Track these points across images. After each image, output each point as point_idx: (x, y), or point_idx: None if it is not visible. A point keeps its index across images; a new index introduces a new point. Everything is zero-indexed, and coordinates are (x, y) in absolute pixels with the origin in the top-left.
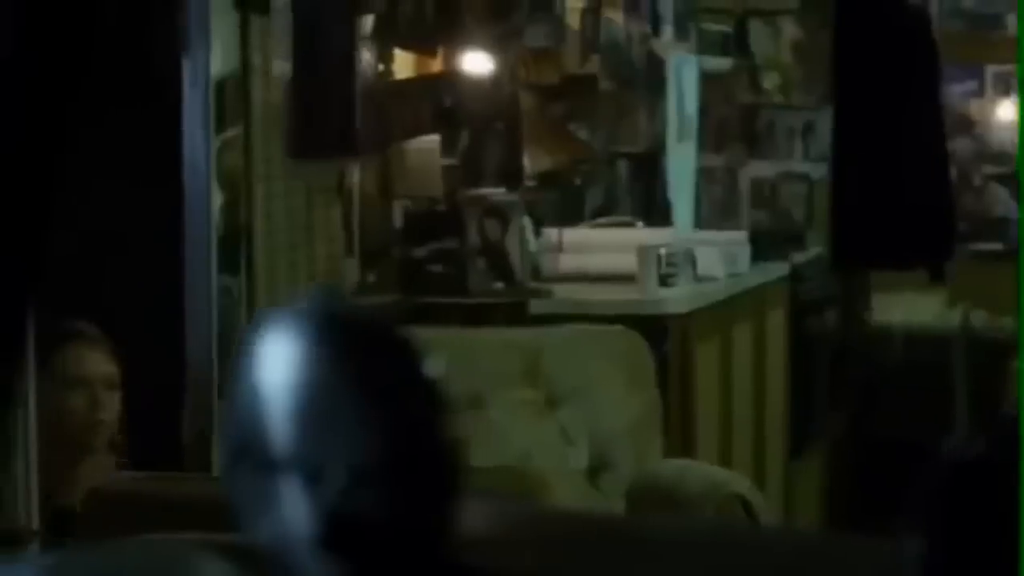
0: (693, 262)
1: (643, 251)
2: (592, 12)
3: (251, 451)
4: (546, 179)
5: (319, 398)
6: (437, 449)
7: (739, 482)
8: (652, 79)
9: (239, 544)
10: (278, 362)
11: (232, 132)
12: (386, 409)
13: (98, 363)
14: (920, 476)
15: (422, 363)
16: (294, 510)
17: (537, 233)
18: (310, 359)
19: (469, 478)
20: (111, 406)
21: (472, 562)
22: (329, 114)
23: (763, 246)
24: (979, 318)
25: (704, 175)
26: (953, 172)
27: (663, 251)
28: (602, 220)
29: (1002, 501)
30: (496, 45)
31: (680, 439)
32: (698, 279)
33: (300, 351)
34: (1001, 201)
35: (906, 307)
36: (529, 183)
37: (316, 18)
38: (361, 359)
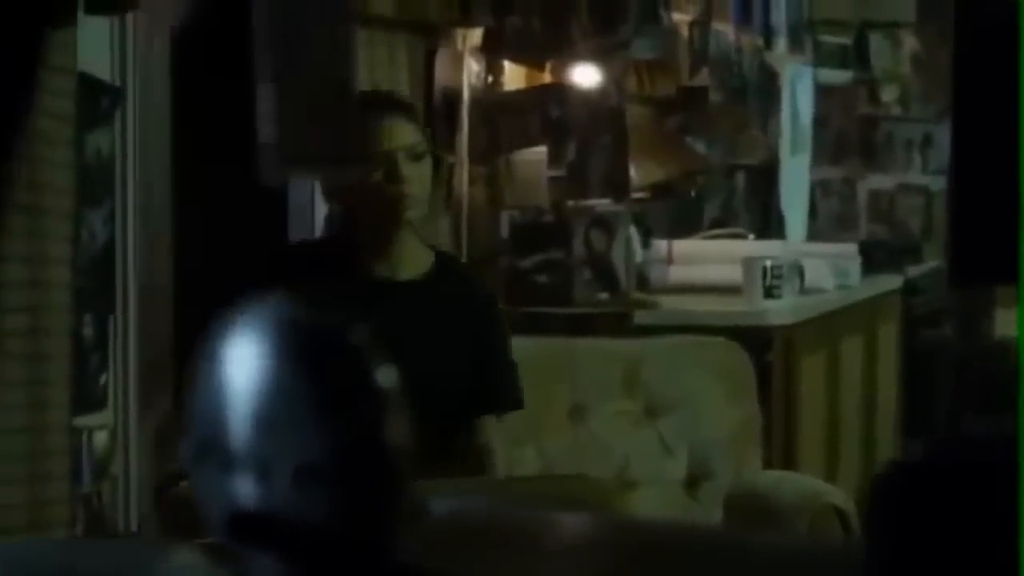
0: (801, 274)
1: (749, 263)
2: (700, 24)
3: (212, 449)
4: (659, 190)
5: (272, 398)
6: (382, 454)
7: (836, 494)
8: (765, 91)
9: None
10: (236, 362)
11: None
12: (333, 411)
13: (400, 134)
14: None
15: (374, 369)
16: (247, 508)
17: (646, 244)
18: (264, 359)
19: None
20: (416, 178)
21: (417, 564)
22: (315, 123)
23: (878, 259)
24: None
25: (822, 187)
26: None
27: (768, 263)
28: (712, 232)
29: (935, 507)
30: (603, 57)
31: (782, 451)
32: (805, 291)
33: (256, 352)
34: None
35: None
36: (641, 194)
37: (301, 25)
38: (311, 361)
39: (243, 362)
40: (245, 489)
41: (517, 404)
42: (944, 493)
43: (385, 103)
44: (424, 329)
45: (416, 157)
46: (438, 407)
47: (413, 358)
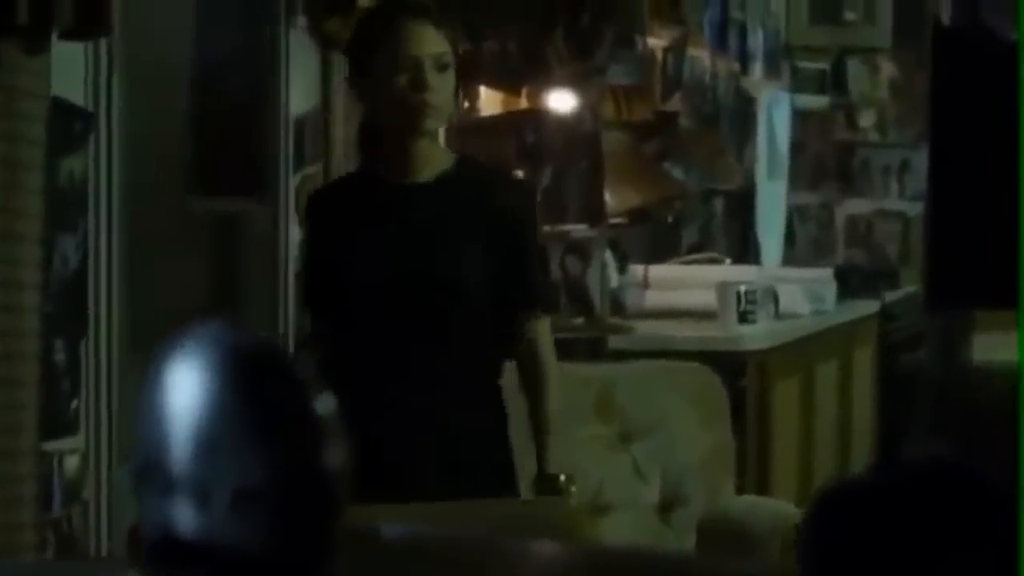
0: (775, 299)
1: (723, 288)
2: (676, 50)
3: (153, 473)
4: (636, 216)
5: (211, 422)
6: (319, 479)
7: None
8: (741, 116)
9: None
10: (177, 386)
11: (312, 168)
12: (271, 436)
13: (429, 41)
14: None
15: (312, 394)
16: (187, 532)
17: (622, 269)
18: (205, 384)
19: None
20: (441, 88)
21: None
22: (234, 150)
23: (854, 284)
24: None
25: (799, 212)
26: None
27: (743, 288)
28: (688, 257)
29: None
30: (579, 83)
31: (756, 476)
32: (780, 316)
33: (196, 376)
34: None
35: (1012, 347)
36: (617, 220)
37: (223, 51)
38: (250, 386)
39: (184, 386)
40: (185, 513)
41: (548, 303)
42: (875, 517)
43: (415, 8)
44: (443, 227)
45: (442, 67)
46: (464, 303)
47: (431, 256)
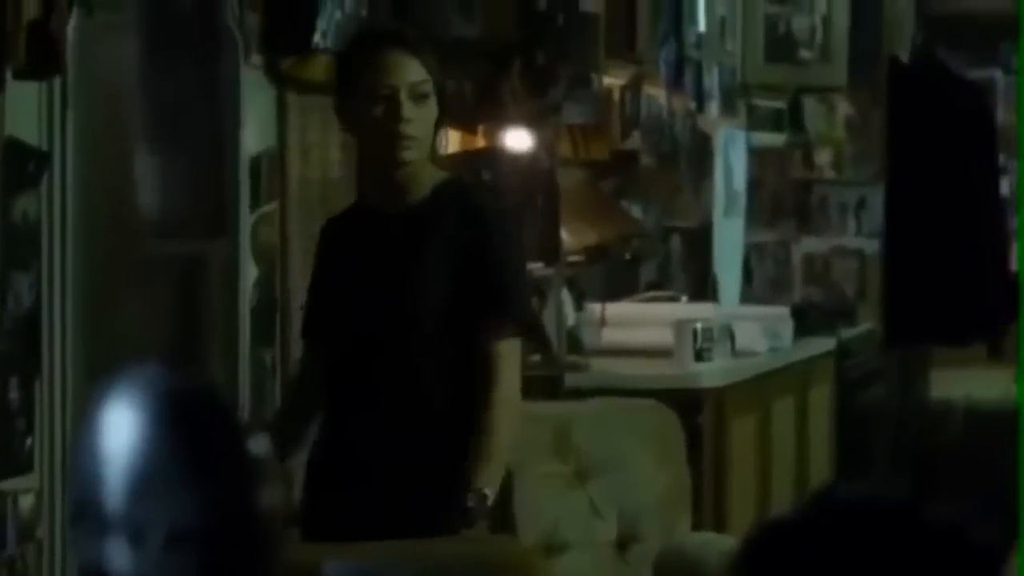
0: (732, 337)
1: (679, 326)
2: (631, 89)
3: (88, 513)
4: (593, 253)
5: (146, 464)
6: (253, 519)
7: None
8: (698, 154)
9: None
10: (113, 428)
11: (268, 207)
12: (204, 477)
13: (405, 70)
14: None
15: (245, 437)
16: (121, 572)
17: (580, 307)
18: (140, 426)
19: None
20: (419, 118)
21: None
22: (196, 192)
23: (811, 321)
24: None
25: (757, 250)
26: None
27: (699, 326)
28: (645, 295)
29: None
30: (535, 121)
31: (712, 513)
32: (737, 354)
33: (132, 418)
34: None
35: (968, 383)
36: (575, 258)
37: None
38: (184, 429)
39: (120, 428)
40: (119, 552)
41: (514, 321)
42: (804, 553)
43: (392, 37)
44: (416, 254)
45: (420, 97)
46: (436, 332)
47: (403, 284)
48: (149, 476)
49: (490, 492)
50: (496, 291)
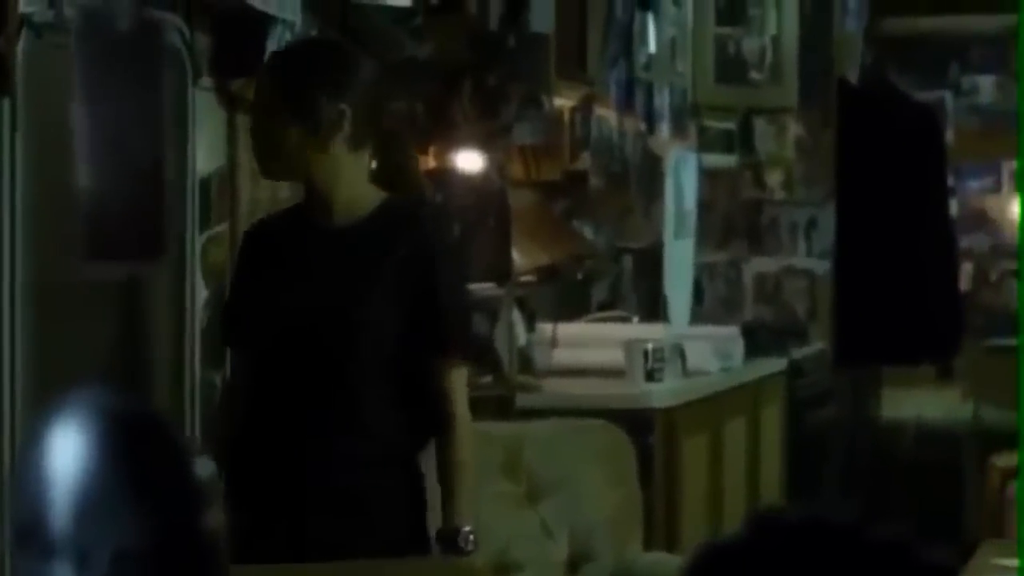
0: (683, 357)
1: (630, 346)
2: (582, 110)
3: (31, 536)
4: (544, 274)
5: (90, 486)
6: (198, 541)
7: None
8: (649, 175)
9: None
10: (56, 450)
11: (218, 228)
12: (149, 499)
13: None
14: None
15: (191, 458)
16: None
17: (531, 328)
18: (83, 448)
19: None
20: None
21: None
22: (130, 215)
23: (762, 341)
24: (991, 413)
25: (708, 270)
26: (969, 267)
27: (650, 346)
28: (597, 315)
29: None
30: (486, 142)
31: (664, 533)
32: (688, 374)
33: (75, 440)
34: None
35: (918, 402)
36: (526, 278)
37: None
38: (128, 451)
39: (64, 451)
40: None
41: (462, 350)
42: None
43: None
44: (353, 271)
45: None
46: (374, 349)
47: (336, 300)
48: (94, 498)
49: (471, 528)
50: (442, 319)
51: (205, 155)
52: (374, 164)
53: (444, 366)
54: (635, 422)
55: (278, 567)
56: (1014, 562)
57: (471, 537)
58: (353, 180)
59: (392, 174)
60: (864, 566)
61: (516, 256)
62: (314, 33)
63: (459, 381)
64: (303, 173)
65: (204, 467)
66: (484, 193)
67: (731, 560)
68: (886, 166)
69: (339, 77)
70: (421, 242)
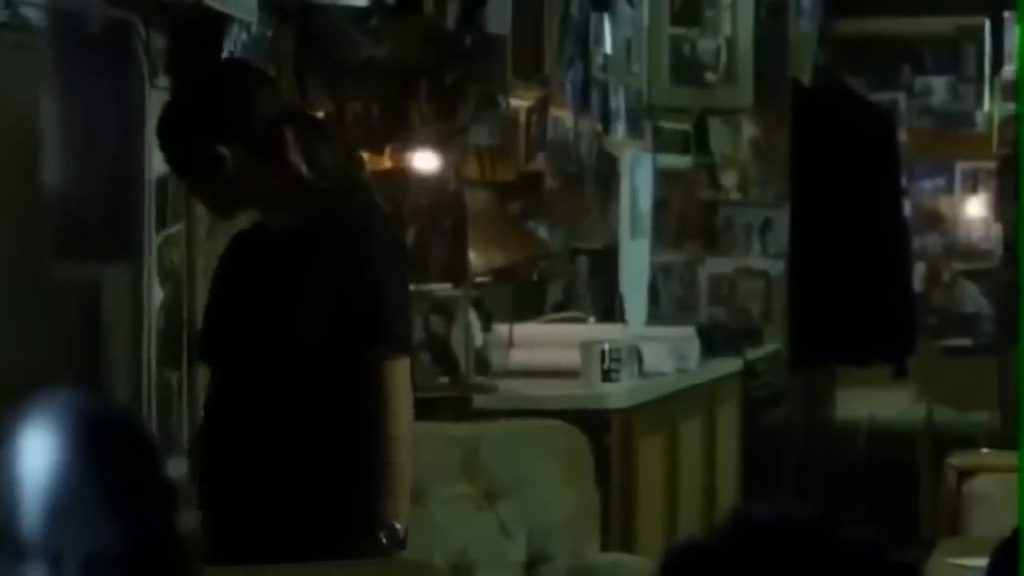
0: (639, 357)
1: (586, 347)
2: (537, 111)
3: (2, 539)
4: (501, 275)
5: (63, 489)
6: (170, 543)
7: None
8: (605, 176)
9: None
10: (28, 452)
11: (174, 228)
12: (121, 502)
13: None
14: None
15: (160, 462)
16: None
17: (487, 328)
18: (56, 451)
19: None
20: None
21: None
22: (96, 216)
23: (717, 341)
24: (944, 413)
25: (663, 271)
26: (922, 268)
27: (606, 346)
28: (552, 316)
29: None
30: (442, 143)
31: (621, 533)
32: (644, 374)
33: (48, 443)
34: (970, 297)
35: (872, 403)
36: (482, 279)
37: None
38: (100, 453)
39: (35, 453)
40: None
41: (398, 343)
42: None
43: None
44: (295, 274)
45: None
46: (316, 351)
47: (280, 303)
48: (66, 500)
49: (401, 525)
50: (376, 313)
51: (161, 156)
52: (306, 169)
53: (380, 360)
54: (592, 422)
55: (248, 568)
56: (972, 560)
57: (401, 536)
58: (278, 193)
59: (330, 174)
60: (836, 565)
61: (472, 257)
62: (270, 34)
63: (398, 376)
64: (229, 209)
65: (176, 469)
66: (440, 194)
67: (705, 559)
68: (840, 167)
69: (215, 118)
70: (353, 238)
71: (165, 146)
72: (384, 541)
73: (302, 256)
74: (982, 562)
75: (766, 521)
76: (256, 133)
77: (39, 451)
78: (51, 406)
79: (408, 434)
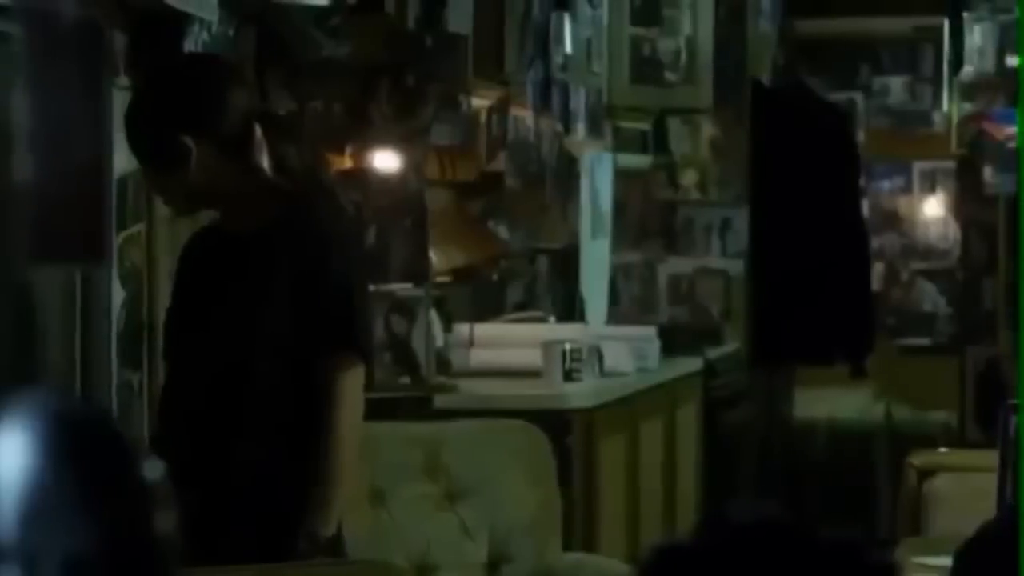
0: (600, 357)
1: (548, 347)
2: (498, 110)
3: None
4: (461, 275)
5: (38, 490)
6: (148, 545)
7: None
8: (565, 176)
9: None
10: (1, 455)
11: (135, 228)
12: (98, 503)
13: None
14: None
15: (139, 461)
16: None
17: (448, 328)
18: (30, 452)
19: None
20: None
21: None
22: (74, 217)
23: (678, 341)
24: (902, 412)
25: (623, 270)
26: (881, 268)
27: (568, 346)
28: (513, 315)
29: None
30: (403, 143)
31: (583, 533)
32: (605, 374)
33: (21, 444)
34: (928, 296)
35: (830, 402)
36: (442, 278)
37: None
38: (76, 455)
39: (9, 454)
40: None
41: (358, 353)
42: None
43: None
44: (254, 278)
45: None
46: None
47: (239, 307)
48: (42, 503)
49: (323, 532)
50: (333, 319)
51: (122, 156)
52: (272, 170)
53: (335, 367)
54: (553, 422)
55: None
56: (934, 560)
57: (323, 543)
58: (241, 192)
59: (296, 176)
60: (817, 565)
61: (433, 256)
62: (231, 33)
63: (351, 383)
64: (189, 205)
65: (153, 469)
66: (401, 194)
67: (684, 560)
68: (799, 167)
69: (185, 109)
70: (313, 241)
71: (131, 135)
72: (302, 546)
73: (261, 260)
74: (945, 561)
75: (746, 521)
76: (225, 129)
77: (12, 453)
78: (24, 407)
79: (353, 442)
